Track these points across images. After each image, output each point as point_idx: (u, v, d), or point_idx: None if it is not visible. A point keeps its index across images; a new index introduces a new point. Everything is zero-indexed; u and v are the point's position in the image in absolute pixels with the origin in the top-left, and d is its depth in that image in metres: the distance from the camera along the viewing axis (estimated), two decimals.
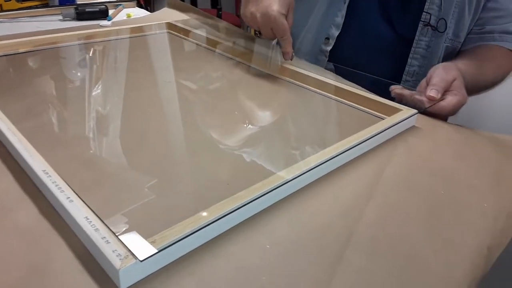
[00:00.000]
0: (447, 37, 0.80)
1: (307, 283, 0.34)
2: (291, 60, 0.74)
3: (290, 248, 0.37)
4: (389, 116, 0.61)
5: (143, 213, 0.41)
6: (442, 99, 0.64)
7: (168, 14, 1.09)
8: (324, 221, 0.41)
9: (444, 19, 0.77)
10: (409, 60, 0.81)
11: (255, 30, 0.74)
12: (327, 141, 0.56)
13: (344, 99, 0.68)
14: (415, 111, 0.61)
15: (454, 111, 0.65)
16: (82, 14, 1.07)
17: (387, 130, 0.56)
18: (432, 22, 0.77)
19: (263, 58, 0.79)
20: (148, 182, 0.46)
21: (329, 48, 0.85)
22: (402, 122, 0.59)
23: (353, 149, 0.51)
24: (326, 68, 0.85)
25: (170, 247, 0.34)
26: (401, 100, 0.68)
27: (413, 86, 0.80)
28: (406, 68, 0.82)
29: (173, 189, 0.45)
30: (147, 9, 1.31)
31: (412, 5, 0.79)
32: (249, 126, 0.60)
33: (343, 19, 0.83)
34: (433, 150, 0.55)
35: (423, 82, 0.69)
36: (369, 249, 0.38)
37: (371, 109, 0.65)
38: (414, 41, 0.80)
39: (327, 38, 0.85)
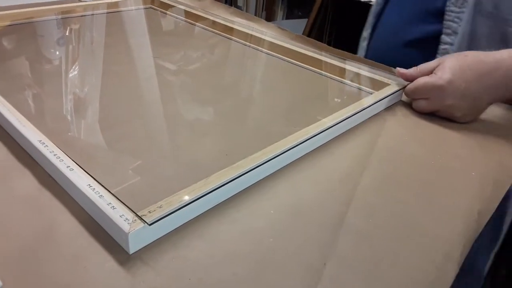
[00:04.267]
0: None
1: (313, 245, 0.35)
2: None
3: (293, 213, 0.38)
4: (377, 90, 0.62)
5: (145, 181, 0.41)
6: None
7: None
8: (323, 188, 0.42)
9: None
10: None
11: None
12: (318, 115, 0.57)
13: (332, 74, 0.69)
14: (402, 85, 0.62)
15: (416, 91, 0.58)
16: None
17: (376, 104, 0.57)
18: None
19: (248, 34, 0.79)
20: (147, 154, 0.46)
21: None
22: (390, 96, 0.60)
23: (345, 121, 0.52)
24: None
25: (177, 212, 0.34)
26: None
27: None
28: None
29: (173, 160, 0.45)
30: None
31: None
32: (243, 99, 0.60)
33: None
34: (420, 123, 0.57)
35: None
36: (368, 213, 0.39)
37: (359, 84, 0.66)
38: None
39: None
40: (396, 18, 0.79)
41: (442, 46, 0.70)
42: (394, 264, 0.34)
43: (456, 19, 0.67)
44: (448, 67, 0.56)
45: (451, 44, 0.69)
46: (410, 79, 0.60)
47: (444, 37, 0.70)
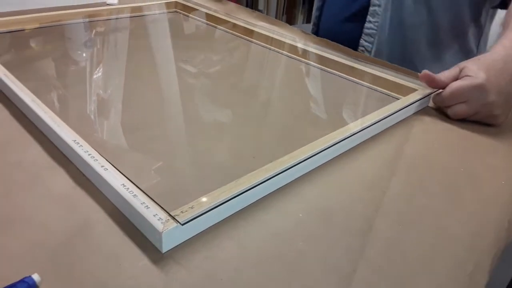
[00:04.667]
0: None
1: (343, 250, 0.35)
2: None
3: (322, 217, 0.38)
4: (404, 96, 0.62)
5: (173, 182, 0.42)
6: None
7: None
8: (351, 193, 0.42)
9: None
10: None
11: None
12: (343, 120, 0.57)
13: (357, 78, 0.69)
14: (429, 91, 0.62)
15: (452, 96, 0.57)
16: None
17: (403, 110, 0.57)
18: None
19: (271, 38, 0.79)
20: (175, 155, 0.46)
21: None
22: (417, 102, 0.60)
23: (371, 127, 0.52)
24: None
25: (208, 212, 0.35)
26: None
27: None
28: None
29: (199, 162, 0.46)
30: None
31: None
32: (268, 103, 0.61)
33: None
34: (448, 129, 0.57)
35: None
36: (397, 220, 0.39)
37: (385, 89, 0.65)
38: None
39: None
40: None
41: (371, 8, 0.83)
42: (425, 272, 0.34)
43: None
44: (477, 68, 0.57)
45: (378, 5, 0.83)
46: (441, 86, 0.60)
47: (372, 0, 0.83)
